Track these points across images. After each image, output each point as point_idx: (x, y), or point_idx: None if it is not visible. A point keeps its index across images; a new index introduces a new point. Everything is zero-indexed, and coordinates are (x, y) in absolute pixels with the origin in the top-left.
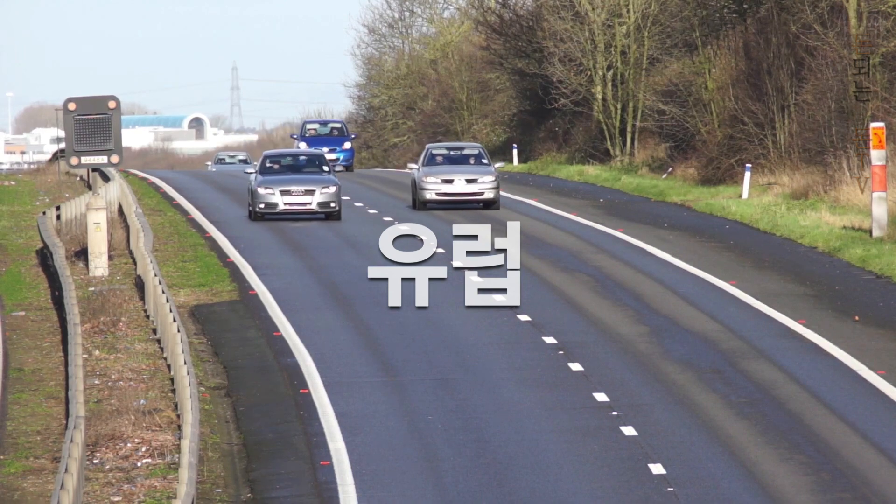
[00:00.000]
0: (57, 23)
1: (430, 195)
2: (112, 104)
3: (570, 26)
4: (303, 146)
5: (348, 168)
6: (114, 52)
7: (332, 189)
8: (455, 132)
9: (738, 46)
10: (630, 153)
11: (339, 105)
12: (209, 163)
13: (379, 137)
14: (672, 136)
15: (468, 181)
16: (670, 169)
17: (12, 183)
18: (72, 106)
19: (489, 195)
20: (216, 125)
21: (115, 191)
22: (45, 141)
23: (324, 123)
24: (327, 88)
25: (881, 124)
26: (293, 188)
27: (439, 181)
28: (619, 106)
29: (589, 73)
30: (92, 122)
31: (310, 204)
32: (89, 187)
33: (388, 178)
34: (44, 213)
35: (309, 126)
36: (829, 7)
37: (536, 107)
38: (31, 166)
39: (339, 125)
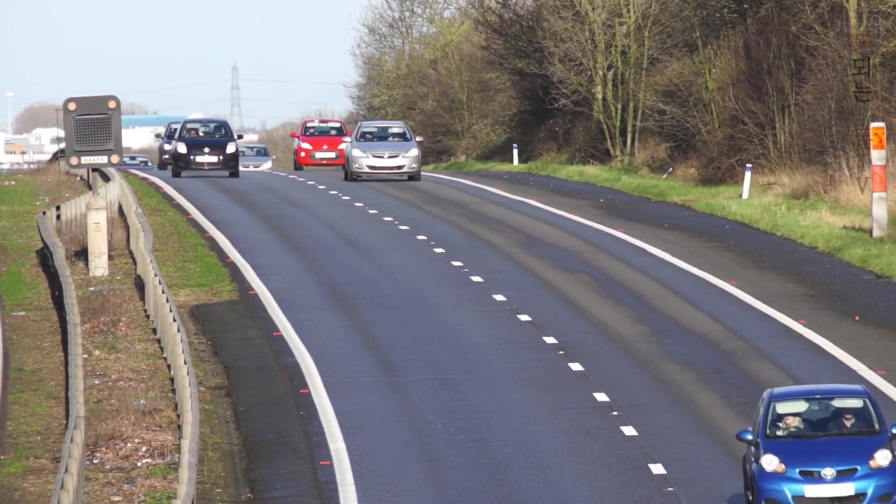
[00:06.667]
0: (57, 23)
1: None
2: (112, 104)
3: (571, 26)
4: None
5: None
6: (114, 52)
7: None
8: (455, 132)
9: (739, 46)
10: (630, 153)
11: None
12: (347, 141)
13: None
14: (672, 136)
15: None
16: (671, 169)
17: (12, 183)
18: (72, 106)
19: None
20: None
21: (116, 191)
22: (46, 141)
23: None
24: (327, 88)
25: (881, 124)
26: None
27: None
28: (619, 106)
29: (589, 72)
30: (92, 122)
31: None
32: (89, 187)
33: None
34: (44, 213)
35: None
36: (830, 7)
37: (536, 107)
38: (32, 166)
39: None
